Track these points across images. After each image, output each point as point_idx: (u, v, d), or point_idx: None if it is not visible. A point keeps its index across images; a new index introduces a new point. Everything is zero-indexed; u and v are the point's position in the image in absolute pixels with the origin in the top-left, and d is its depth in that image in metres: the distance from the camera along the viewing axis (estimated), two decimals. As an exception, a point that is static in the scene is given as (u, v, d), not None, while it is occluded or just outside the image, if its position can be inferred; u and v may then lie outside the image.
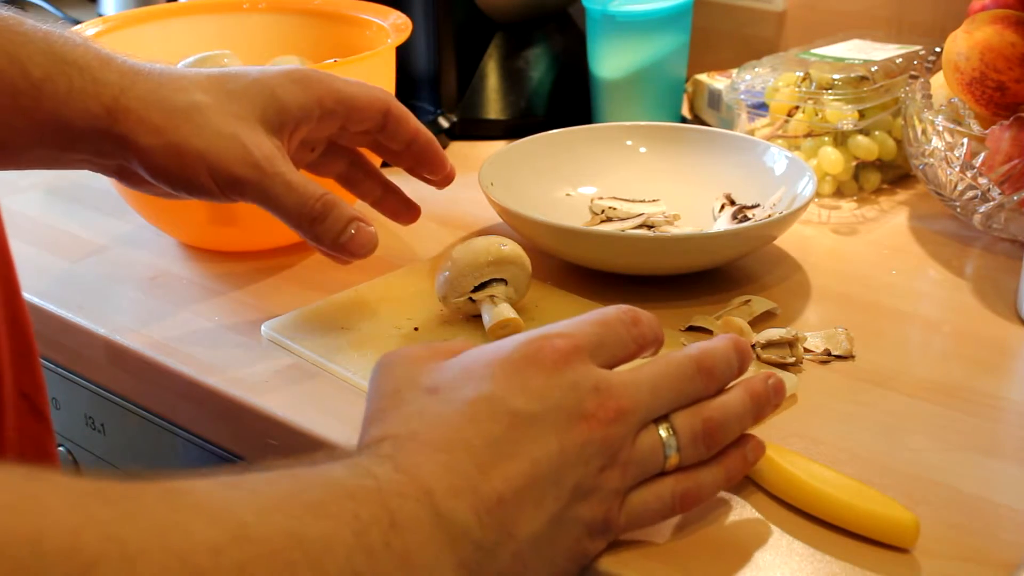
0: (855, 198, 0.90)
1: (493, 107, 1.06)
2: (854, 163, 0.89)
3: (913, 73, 0.87)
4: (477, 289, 0.68)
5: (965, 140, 0.78)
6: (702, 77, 1.07)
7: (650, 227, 0.81)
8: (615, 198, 0.85)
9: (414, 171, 0.72)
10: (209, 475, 0.40)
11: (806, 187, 0.77)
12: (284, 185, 0.60)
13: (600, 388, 0.47)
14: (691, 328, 0.70)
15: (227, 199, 0.61)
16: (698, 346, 0.51)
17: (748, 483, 0.55)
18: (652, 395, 0.48)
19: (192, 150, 0.58)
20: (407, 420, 0.46)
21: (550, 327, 0.49)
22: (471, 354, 0.49)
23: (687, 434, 0.48)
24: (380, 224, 0.88)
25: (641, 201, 0.85)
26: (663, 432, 0.48)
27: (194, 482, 0.39)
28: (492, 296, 0.68)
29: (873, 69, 0.89)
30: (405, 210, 0.74)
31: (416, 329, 0.69)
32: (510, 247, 0.69)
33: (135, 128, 0.58)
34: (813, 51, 0.96)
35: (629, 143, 0.90)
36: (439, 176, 0.71)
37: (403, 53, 0.89)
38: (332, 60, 0.86)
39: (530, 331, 0.49)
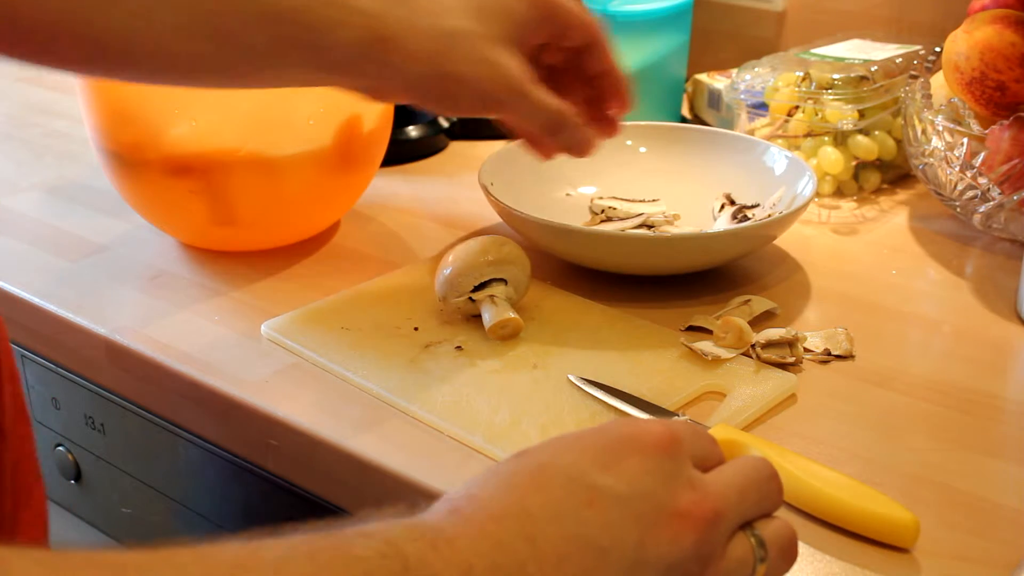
0: (855, 198, 0.90)
1: (493, 107, 1.06)
2: (854, 163, 0.89)
3: (913, 73, 0.87)
4: (477, 289, 0.68)
5: (965, 140, 0.78)
6: (702, 77, 1.07)
7: (650, 227, 0.81)
8: (615, 198, 0.85)
9: (593, 103, 0.70)
10: (216, 551, 0.36)
11: (806, 187, 0.77)
12: (534, 103, 0.63)
13: (696, 485, 0.42)
14: (691, 328, 0.70)
15: (481, 115, 0.65)
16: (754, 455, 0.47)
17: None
18: (740, 498, 0.43)
19: (457, 76, 0.61)
20: (477, 481, 0.42)
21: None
22: (572, 431, 0.45)
23: (776, 546, 0.44)
24: (379, 225, 0.88)
25: (641, 201, 0.85)
26: (753, 542, 0.44)
27: (203, 558, 0.35)
28: (492, 296, 0.68)
29: (873, 69, 0.89)
30: (607, 121, 0.72)
31: (416, 329, 0.69)
32: (510, 247, 0.69)
33: (399, 56, 0.59)
34: (813, 51, 0.96)
35: (629, 143, 0.90)
36: (617, 107, 0.70)
37: (403, 53, 0.89)
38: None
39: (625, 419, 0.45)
